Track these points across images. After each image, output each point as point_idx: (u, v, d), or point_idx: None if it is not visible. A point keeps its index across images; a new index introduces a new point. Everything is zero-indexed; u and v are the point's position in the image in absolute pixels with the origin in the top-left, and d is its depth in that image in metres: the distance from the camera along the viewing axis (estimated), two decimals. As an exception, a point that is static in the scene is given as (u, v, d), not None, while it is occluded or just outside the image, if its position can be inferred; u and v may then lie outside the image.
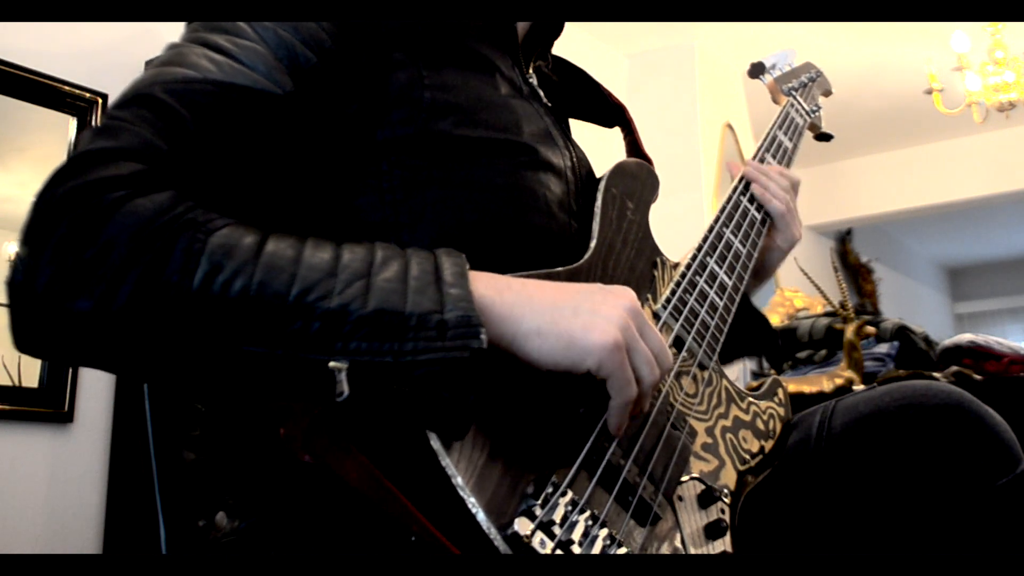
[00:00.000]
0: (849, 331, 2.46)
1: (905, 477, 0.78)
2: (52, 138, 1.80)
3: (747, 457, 0.79)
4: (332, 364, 0.54)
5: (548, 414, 0.63)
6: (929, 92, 3.44)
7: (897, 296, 5.99)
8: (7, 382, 1.67)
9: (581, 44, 3.38)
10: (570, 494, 0.60)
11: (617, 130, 1.07)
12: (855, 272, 5.52)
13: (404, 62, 0.76)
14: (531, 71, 0.94)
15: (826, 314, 2.83)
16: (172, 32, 0.74)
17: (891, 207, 4.98)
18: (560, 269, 0.73)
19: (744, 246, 0.94)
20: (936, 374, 2.31)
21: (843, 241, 5.52)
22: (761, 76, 1.26)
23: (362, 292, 0.56)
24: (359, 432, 0.57)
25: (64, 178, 0.57)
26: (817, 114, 1.28)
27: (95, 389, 1.78)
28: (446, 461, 0.55)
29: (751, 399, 0.85)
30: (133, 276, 0.54)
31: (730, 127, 3.68)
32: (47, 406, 1.70)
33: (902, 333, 2.63)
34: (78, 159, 0.58)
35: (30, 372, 1.70)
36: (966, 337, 2.48)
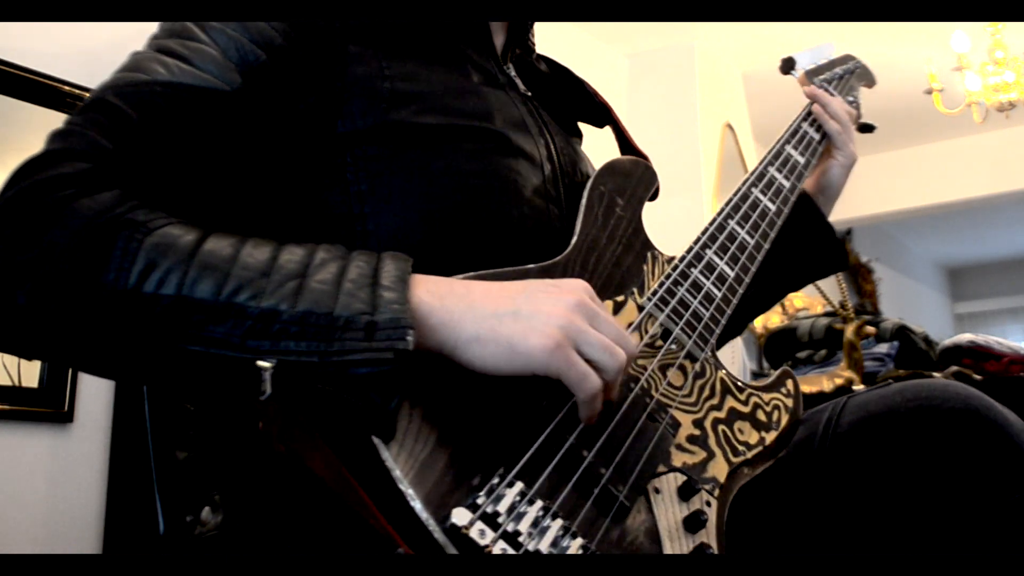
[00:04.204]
0: (849, 331, 2.47)
1: (912, 482, 0.75)
2: (52, 138, 1.80)
3: (742, 449, 0.76)
4: (259, 363, 0.55)
5: (503, 407, 0.63)
6: (929, 92, 3.44)
7: (897, 296, 5.98)
8: (7, 382, 1.67)
9: (581, 44, 3.38)
10: (519, 485, 0.59)
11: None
12: (855, 272, 5.52)
13: (362, 55, 0.76)
14: (509, 62, 0.93)
15: (826, 314, 2.84)
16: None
17: (891, 207, 4.98)
18: (533, 266, 0.72)
19: (752, 237, 0.92)
20: (936, 374, 2.31)
21: (843, 241, 5.52)
22: (792, 71, 1.23)
23: (293, 292, 0.57)
24: (327, 425, 0.57)
25: (16, 180, 0.60)
26: (854, 106, 1.23)
27: (95, 389, 1.78)
28: (385, 454, 0.56)
29: (753, 390, 0.82)
30: (73, 274, 0.56)
31: (730, 127, 3.68)
32: (47, 406, 1.70)
33: (902, 333, 2.63)
34: (30, 163, 0.62)
35: (30, 372, 1.70)
36: (966, 337, 2.48)
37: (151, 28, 0.76)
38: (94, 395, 1.78)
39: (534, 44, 1.01)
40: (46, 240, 0.57)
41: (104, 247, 0.57)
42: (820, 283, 2.57)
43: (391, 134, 0.75)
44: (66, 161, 0.61)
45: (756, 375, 3.22)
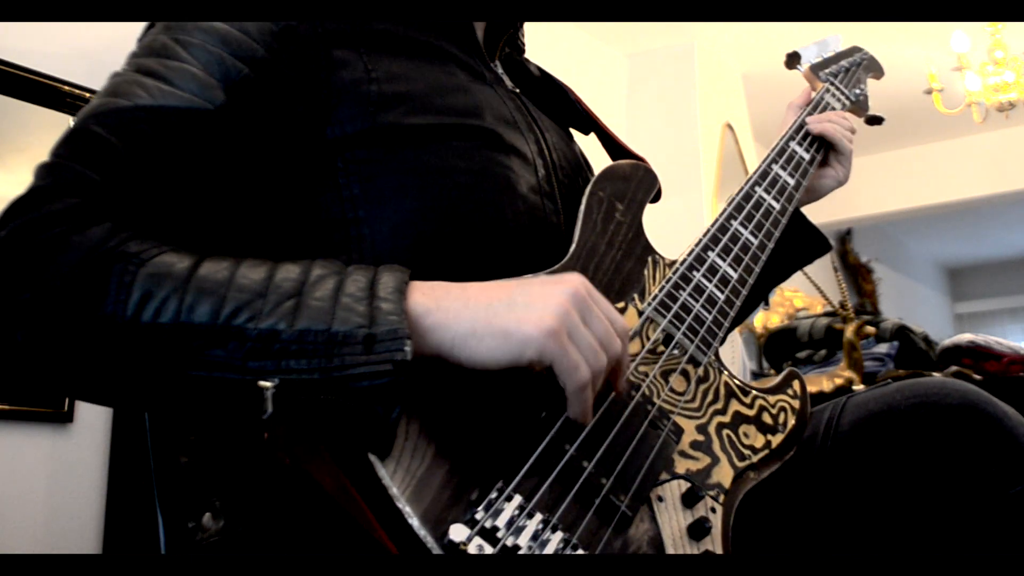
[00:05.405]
0: (849, 331, 2.47)
1: (913, 478, 0.76)
2: (52, 138, 1.79)
3: (748, 453, 0.76)
4: (260, 383, 0.56)
5: (502, 420, 0.62)
6: (929, 92, 3.44)
7: (897, 296, 5.98)
8: (7, 382, 1.67)
9: (581, 44, 3.38)
10: (518, 498, 0.59)
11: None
12: (855, 272, 5.52)
13: (346, 59, 0.76)
14: (496, 59, 0.93)
15: (826, 314, 2.84)
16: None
17: (891, 207, 4.98)
18: (529, 277, 0.71)
19: (756, 237, 0.91)
20: (936, 374, 2.31)
21: (843, 241, 5.52)
22: (797, 66, 1.21)
23: (291, 311, 0.57)
24: (332, 438, 0.57)
25: (7, 219, 0.61)
26: (861, 99, 1.22)
27: (95, 389, 1.78)
28: (381, 472, 0.56)
29: (758, 393, 0.81)
30: (70, 312, 0.57)
31: (730, 127, 3.68)
32: (47, 406, 1.70)
33: (902, 333, 2.64)
34: (20, 201, 0.62)
35: (30, 372, 1.70)
36: (966, 337, 2.49)
37: (151, 28, 0.76)
38: (94, 395, 1.78)
39: (523, 44, 1.01)
40: (41, 280, 0.57)
41: (99, 282, 0.57)
42: (820, 283, 2.57)
43: (381, 137, 0.74)
44: (55, 198, 0.61)
45: (756, 375, 3.22)
